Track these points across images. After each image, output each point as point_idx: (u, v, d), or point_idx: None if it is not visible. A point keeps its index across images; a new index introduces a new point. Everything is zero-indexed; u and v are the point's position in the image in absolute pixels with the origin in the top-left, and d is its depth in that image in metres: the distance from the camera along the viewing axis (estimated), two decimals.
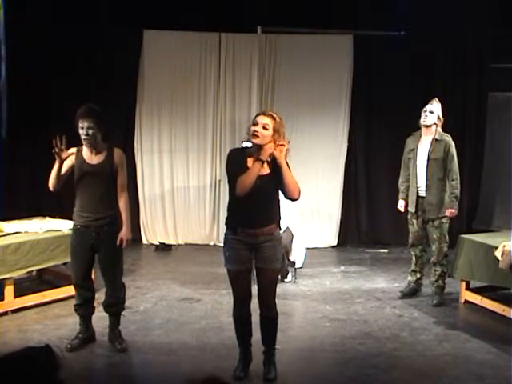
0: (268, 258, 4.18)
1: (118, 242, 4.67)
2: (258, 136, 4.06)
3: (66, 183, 4.76)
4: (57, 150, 4.45)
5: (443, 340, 5.17)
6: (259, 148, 4.08)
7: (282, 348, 4.64)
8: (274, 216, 4.22)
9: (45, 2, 7.86)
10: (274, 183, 4.11)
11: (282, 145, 4.04)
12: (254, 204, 4.05)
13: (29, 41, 7.84)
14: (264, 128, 4.06)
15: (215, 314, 5.77)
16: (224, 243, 4.30)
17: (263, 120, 4.09)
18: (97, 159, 4.71)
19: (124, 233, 4.69)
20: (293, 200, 4.22)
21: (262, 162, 4.05)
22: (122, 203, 4.74)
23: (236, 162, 4.17)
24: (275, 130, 4.08)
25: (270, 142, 4.07)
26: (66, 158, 4.55)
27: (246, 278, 4.28)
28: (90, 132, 4.60)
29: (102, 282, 4.95)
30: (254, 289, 4.32)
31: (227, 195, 4.42)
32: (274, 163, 4.11)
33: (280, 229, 4.30)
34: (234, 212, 4.22)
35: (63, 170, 4.63)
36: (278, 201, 4.24)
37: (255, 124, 4.10)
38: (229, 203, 4.30)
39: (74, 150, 4.74)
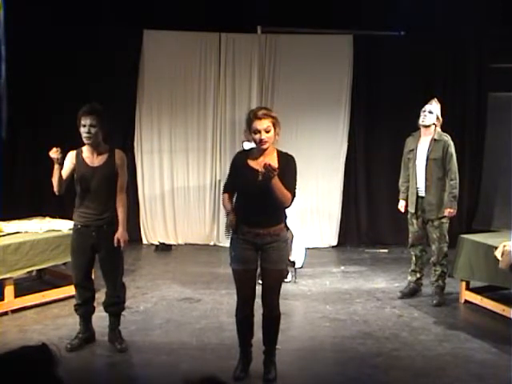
0: (274, 258, 4.18)
1: (115, 243, 4.66)
2: (266, 142, 4.07)
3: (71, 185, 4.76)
4: (53, 156, 4.44)
5: (443, 340, 5.17)
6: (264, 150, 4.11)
7: (282, 348, 4.63)
8: (281, 216, 4.20)
9: (45, 2, 7.86)
10: (282, 181, 4.04)
11: (274, 169, 3.92)
12: (260, 204, 4.04)
13: (29, 41, 7.84)
14: (267, 131, 4.06)
15: (215, 313, 5.77)
16: (230, 243, 4.30)
17: (263, 125, 4.05)
18: (98, 161, 4.70)
19: (120, 233, 4.67)
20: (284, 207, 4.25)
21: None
22: (120, 204, 4.73)
23: (237, 165, 4.23)
24: (275, 125, 4.10)
25: (275, 137, 4.10)
26: (59, 160, 4.52)
27: (251, 279, 4.27)
28: (92, 130, 4.58)
29: (102, 282, 4.95)
30: (258, 289, 4.33)
31: None
32: (281, 161, 4.11)
33: (287, 229, 4.28)
34: (239, 212, 4.19)
35: (65, 174, 4.63)
36: None
37: (256, 132, 4.07)
38: (234, 204, 4.29)
39: (72, 153, 4.74)
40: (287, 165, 4.13)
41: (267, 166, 3.86)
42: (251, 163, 4.14)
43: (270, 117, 4.08)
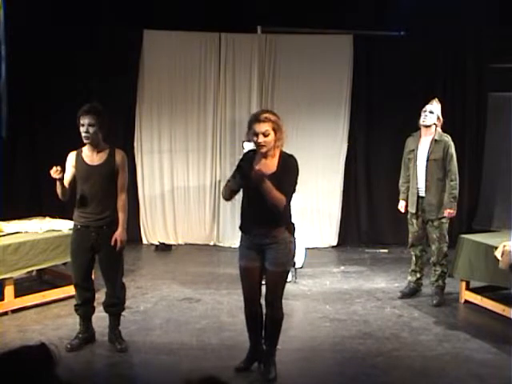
0: (271, 259, 4.19)
1: (112, 243, 4.66)
2: (264, 146, 4.07)
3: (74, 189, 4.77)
4: (54, 176, 4.44)
5: (443, 340, 5.17)
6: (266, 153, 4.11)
7: (282, 348, 4.64)
8: (281, 219, 4.14)
9: (45, 2, 7.86)
10: (279, 183, 4.03)
11: (262, 175, 3.95)
12: (259, 205, 4.04)
13: (29, 41, 7.84)
14: (265, 135, 4.05)
15: (215, 314, 5.77)
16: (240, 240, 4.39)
17: (262, 128, 4.05)
18: (98, 160, 4.71)
19: (119, 233, 4.67)
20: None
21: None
22: (120, 204, 4.73)
23: (244, 163, 4.24)
24: (275, 130, 4.08)
25: (277, 141, 4.08)
26: (61, 180, 4.53)
27: (254, 277, 4.30)
28: (91, 130, 4.58)
29: (102, 282, 4.95)
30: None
31: None
32: (280, 163, 4.12)
33: (291, 233, 4.22)
34: (243, 210, 4.28)
35: (68, 180, 4.65)
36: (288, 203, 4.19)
37: (255, 135, 4.08)
38: (241, 202, 4.34)
39: (72, 154, 4.74)
40: (285, 168, 4.13)
41: (256, 172, 3.92)
42: (254, 164, 4.16)
43: (270, 121, 4.06)
